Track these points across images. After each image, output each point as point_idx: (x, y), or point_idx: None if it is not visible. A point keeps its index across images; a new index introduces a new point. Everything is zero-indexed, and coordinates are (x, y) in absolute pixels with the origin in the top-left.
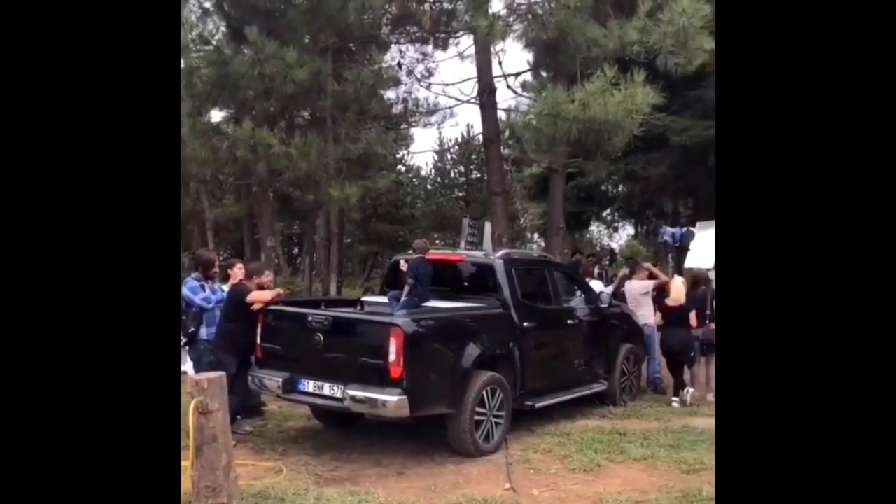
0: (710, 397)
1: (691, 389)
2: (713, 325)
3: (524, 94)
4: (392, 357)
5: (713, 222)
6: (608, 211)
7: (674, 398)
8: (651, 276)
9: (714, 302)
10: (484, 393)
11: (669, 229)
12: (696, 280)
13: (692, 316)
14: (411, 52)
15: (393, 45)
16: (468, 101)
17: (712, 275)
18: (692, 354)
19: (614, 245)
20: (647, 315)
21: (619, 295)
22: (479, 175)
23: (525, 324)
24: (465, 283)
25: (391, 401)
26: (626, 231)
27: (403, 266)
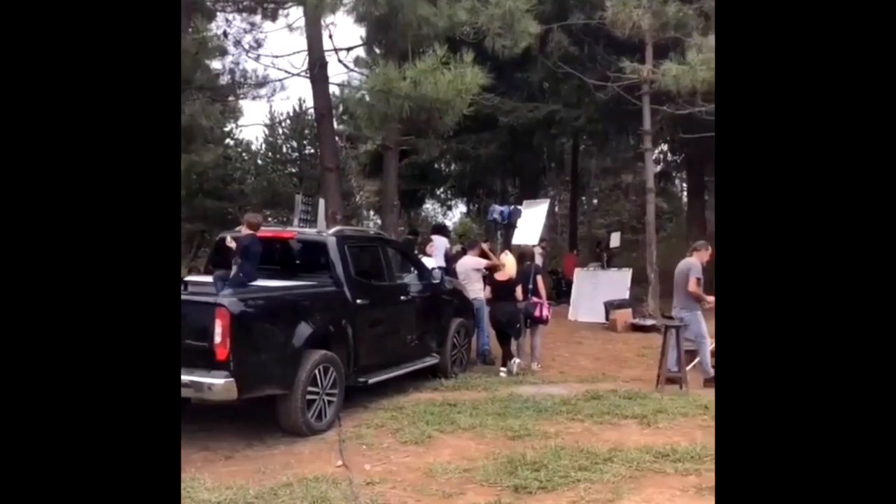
0: (535, 366)
1: (518, 360)
2: (535, 299)
3: (356, 69)
4: (217, 339)
5: (538, 201)
6: (442, 189)
7: (501, 369)
8: (483, 255)
9: (537, 276)
10: (316, 372)
11: (498, 207)
12: (522, 256)
13: (518, 290)
14: (238, 21)
15: (218, 14)
16: (299, 75)
17: (538, 251)
18: (518, 326)
19: (448, 222)
20: (477, 290)
21: (451, 271)
22: (312, 150)
23: (358, 301)
24: (298, 261)
25: (217, 384)
26: (459, 209)
27: (230, 243)
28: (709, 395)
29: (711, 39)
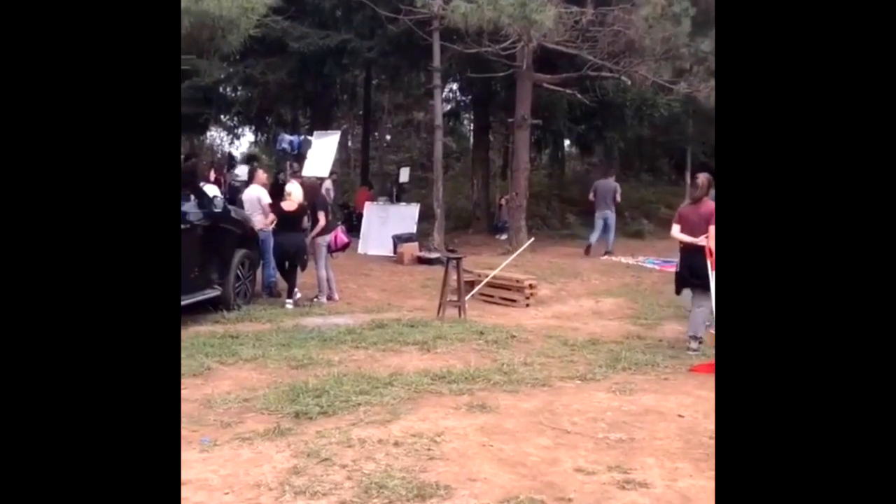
0: (337, 297)
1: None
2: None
3: None
4: None
5: (329, 132)
6: (228, 116)
7: (287, 300)
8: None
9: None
10: None
11: (288, 137)
12: (309, 187)
13: (305, 220)
14: None
15: None
16: None
17: (329, 183)
18: (306, 258)
19: (235, 151)
20: (262, 220)
21: (237, 200)
22: None
23: None
24: None
25: None
26: (248, 137)
27: None
28: (484, 322)
29: None
